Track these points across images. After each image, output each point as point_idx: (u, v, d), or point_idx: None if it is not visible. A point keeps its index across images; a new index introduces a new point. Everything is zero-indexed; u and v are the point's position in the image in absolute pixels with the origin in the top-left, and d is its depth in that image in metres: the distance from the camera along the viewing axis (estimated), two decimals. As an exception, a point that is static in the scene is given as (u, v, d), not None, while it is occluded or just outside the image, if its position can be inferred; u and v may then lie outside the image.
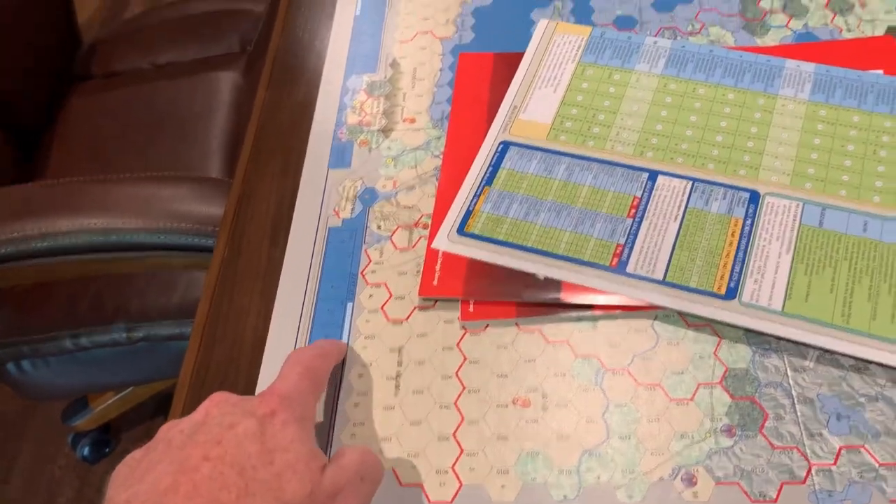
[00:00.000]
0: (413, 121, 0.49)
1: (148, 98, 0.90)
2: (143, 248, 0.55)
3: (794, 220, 0.39)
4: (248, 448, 0.30)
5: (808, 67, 0.45)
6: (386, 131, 0.49)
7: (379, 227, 0.44)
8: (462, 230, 0.42)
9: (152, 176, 0.57)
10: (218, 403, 0.32)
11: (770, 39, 0.49)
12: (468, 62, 0.51)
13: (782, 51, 0.48)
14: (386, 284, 0.42)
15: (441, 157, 0.47)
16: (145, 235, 0.54)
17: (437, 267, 0.41)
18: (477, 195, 0.43)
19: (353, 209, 0.45)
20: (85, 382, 0.79)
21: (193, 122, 0.85)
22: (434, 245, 0.41)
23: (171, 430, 0.32)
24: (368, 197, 0.46)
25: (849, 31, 0.49)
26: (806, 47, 0.48)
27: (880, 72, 0.45)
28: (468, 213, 0.42)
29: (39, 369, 0.75)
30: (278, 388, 0.33)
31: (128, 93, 0.92)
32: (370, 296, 0.41)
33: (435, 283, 0.40)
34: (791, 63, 0.46)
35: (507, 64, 0.50)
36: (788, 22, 0.50)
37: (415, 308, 0.40)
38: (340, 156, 0.48)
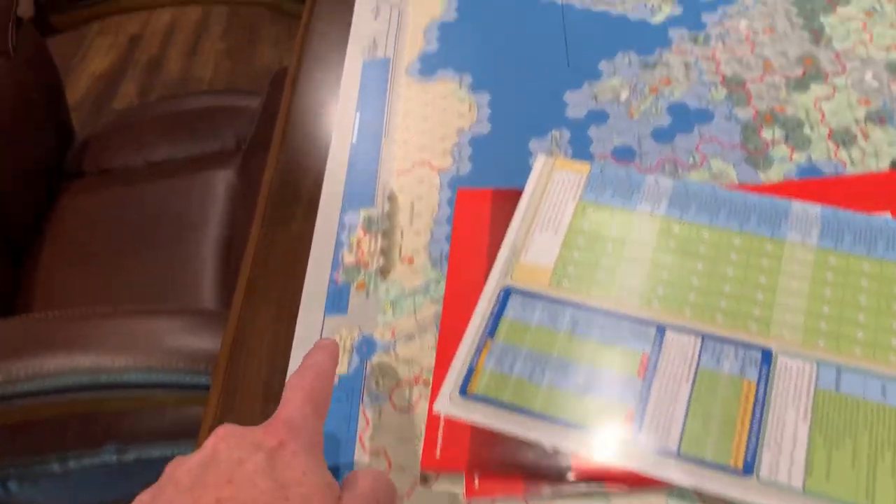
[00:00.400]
0: (412, 261, 0.48)
1: (140, 198, 0.89)
2: (134, 386, 0.53)
3: (810, 383, 0.38)
4: (260, 485, 0.29)
5: (815, 210, 0.44)
6: (384, 272, 0.48)
7: (377, 385, 0.43)
8: (464, 391, 0.40)
9: (142, 309, 0.56)
10: (224, 437, 0.31)
11: (773, 173, 0.48)
12: (466, 199, 0.50)
13: (787, 188, 0.47)
14: (385, 452, 0.40)
15: (441, 302, 0.46)
16: (136, 374, 0.53)
17: (440, 434, 0.39)
18: (479, 349, 0.42)
19: (349, 363, 0.44)
20: (73, 502, 0.76)
21: (187, 225, 0.84)
22: (435, 409, 0.40)
23: (178, 470, 0.31)
24: (366, 349, 0.44)
25: (853, 164, 0.48)
26: (810, 184, 0.47)
27: (888, 215, 0.44)
28: (470, 371, 0.41)
29: (26, 490, 0.72)
30: (283, 415, 0.33)
31: (120, 193, 0.91)
32: (368, 467, 0.39)
33: (437, 454, 0.39)
34: (797, 205, 0.45)
35: (507, 201, 0.49)
36: (791, 154, 0.49)
37: (416, 482, 0.38)
38: (337, 301, 0.47)
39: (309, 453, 0.31)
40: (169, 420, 0.69)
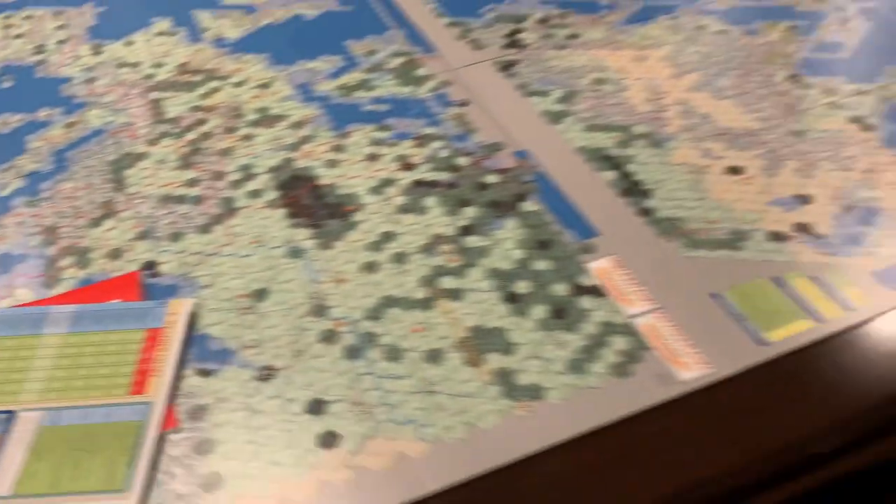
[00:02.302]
0: None
1: None
2: None
3: (37, 423, 0.56)
4: None
5: (69, 308, 0.64)
6: None
7: None
8: None
9: None
10: None
11: (62, 288, 0.68)
12: None
13: (62, 298, 0.67)
14: None
15: None
16: None
17: None
18: None
19: None
20: None
21: None
22: None
23: None
24: None
25: (119, 271, 0.69)
26: (79, 292, 0.67)
27: (118, 301, 0.65)
28: None
29: None
30: None
31: None
32: None
33: None
34: (55, 308, 0.65)
35: None
36: (78, 273, 0.69)
37: None
38: None
39: None
40: None
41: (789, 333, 0.59)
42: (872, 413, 0.55)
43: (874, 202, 0.70)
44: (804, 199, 0.71)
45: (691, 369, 0.57)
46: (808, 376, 0.57)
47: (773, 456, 0.53)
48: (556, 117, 0.83)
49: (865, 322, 0.60)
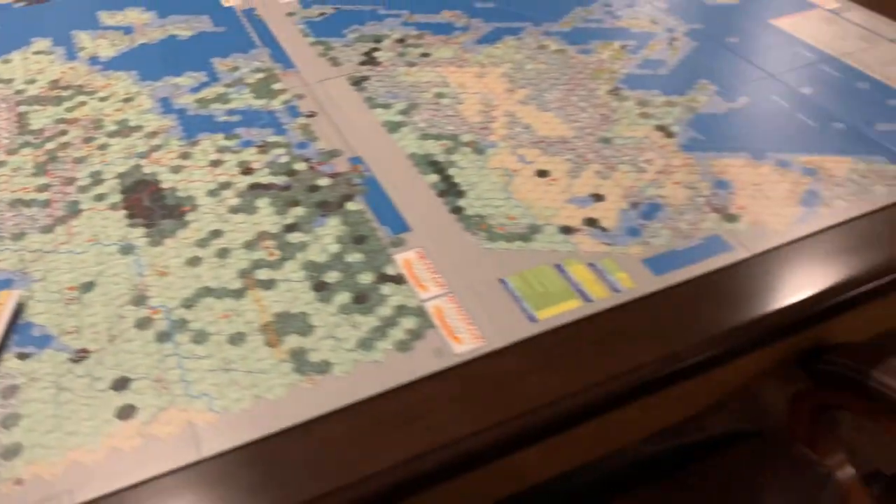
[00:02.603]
0: None
1: None
2: None
3: None
4: None
5: None
6: None
7: None
8: None
9: None
10: None
11: None
12: None
13: None
14: None
15: None
16: None
17: None
18: None
19: None
20: None
21: None
22: None
23: None
24: None
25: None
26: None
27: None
28: None
29: None
30: None
31: None
32: None
33: None
34: None
35: None
36: (-82, 270, 0.74)
37: None
38: None
39: None
40: None
41: (557, 312, 0.65)
42: (613, 382, 0.61)
43: (659, 199, 0.77)
44: (599, 198, 0.78)
45: (466, 343, 0.63)
46: (568, 349, 0.63)
47: (529, 413, 0.59)
48: (394, 127, 0.89)
49: (629, 302, 0.67)
